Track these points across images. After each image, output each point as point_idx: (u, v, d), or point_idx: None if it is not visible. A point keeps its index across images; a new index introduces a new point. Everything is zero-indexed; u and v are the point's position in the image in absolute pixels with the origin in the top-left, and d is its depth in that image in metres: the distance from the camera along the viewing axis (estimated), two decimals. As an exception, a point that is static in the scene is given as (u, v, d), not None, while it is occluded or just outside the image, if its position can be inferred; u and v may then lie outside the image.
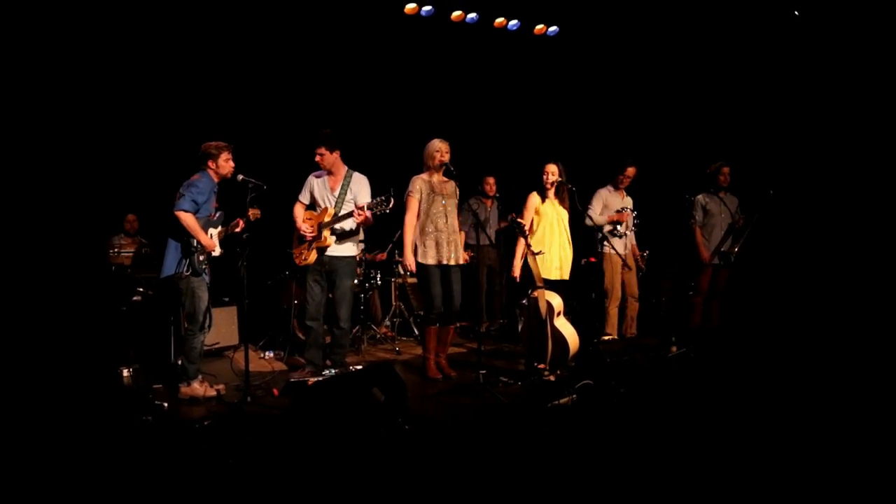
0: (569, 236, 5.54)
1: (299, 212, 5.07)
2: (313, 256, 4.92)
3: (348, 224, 4.93)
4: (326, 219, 4.91)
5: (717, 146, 6.85)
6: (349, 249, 5.02)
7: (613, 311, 6.22)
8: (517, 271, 5.30)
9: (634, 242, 6.37)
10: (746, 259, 6.15)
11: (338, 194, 4.96)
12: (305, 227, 4.95)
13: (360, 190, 4.97)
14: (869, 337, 5.41)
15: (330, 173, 5.01)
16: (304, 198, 5.11)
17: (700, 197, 6.21)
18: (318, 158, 4.95)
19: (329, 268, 4.95)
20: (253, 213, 4.77)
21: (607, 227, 6.15)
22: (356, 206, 4.83)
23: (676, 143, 7.33)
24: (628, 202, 6.33)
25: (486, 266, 6.98)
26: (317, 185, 5.05)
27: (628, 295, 6.27)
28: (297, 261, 5.07)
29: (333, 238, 4.92)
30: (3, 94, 5.34)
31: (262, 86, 6.87)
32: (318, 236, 4.90)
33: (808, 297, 6.24)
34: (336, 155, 4.96)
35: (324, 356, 5.10)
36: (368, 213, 4.76)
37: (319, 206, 5.01)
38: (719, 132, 7.06)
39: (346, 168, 5.02)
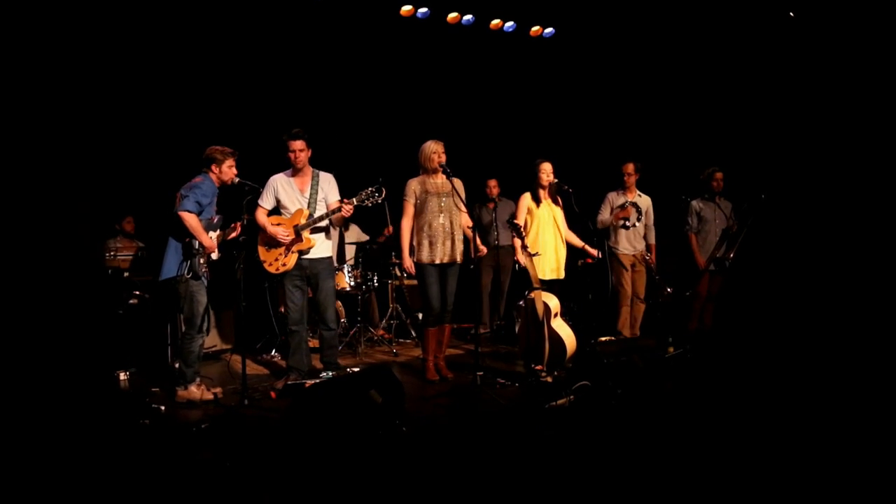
0: (563, 236, 5.55)
1: (263, 217, 4.86)
2: (293, 260, 4.79)
3: (323, 223, 4.85)
4: (302, 220, 4.78)
5: (712, 148, 6.88)
6: (327, 250, 4.94)
7: (624, 310, 6.21)
8: (521, 257, 5.26)
9: (653, 242, 6.30)
10: (742, 262, 6.15)
11: (309, 195, 4.85)
12: (281, 230, 4.77)
13: (330, 189, 4.89)
14: (862, 337, 5.43)
15: (296, 174, 4.88)
16: (267, 202, 4.88)
17: (694, 203, 6.21)
18: (295, 155, 4.76)
19: (310, 271, 4.85)
20: (247, 219, 4.76)
21: (620, 223, 6.13)
22: (345, 200, 4.74)
23: (673, 145, 7.33)
24: (644, 201, 6.25)
25: (490, 268, 6.97)
26: (282, 188, 4.86)
27: (633, 296, 6.25)
28: (270, 268, 4.85)
29: (315, 238, 4.82)
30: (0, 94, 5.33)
31: (257, 87, 6.86)
32: (299, 239, 4.80)
33: (801, 298, 6.26)
34: (308, 154, 4.84)
35: (309, 361, 5.04)
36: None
37: (287, 209, 4.86)
38: (715, 134, 7.08)
39: (311, 169, 4.91)
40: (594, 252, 5.63)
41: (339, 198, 4.83)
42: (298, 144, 4.77)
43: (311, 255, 4.84)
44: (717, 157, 6.46)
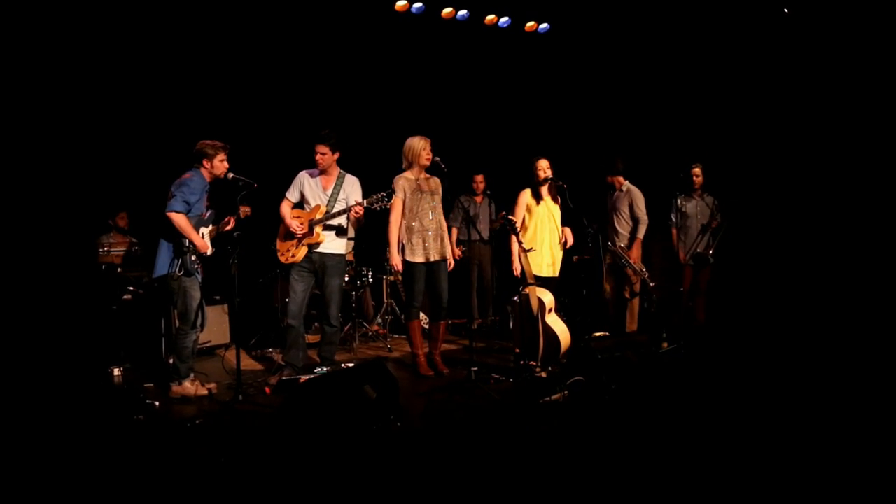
0: (560, 233, 5.56)
1: (287, 209, 4.99)
2: (302, 253, 4.87)
3: (340, 222, 4.93)
4: (318, 216, 4.88)
5: (706, 144, 6.89)
6: (340, 247, 4.99)
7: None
8: (517, 268, 5.29)
9: (639, 236, 6.32)
10: (729, 257, 6.19)
11: (330, 193, 4.94)
12: (295, 223, 4.87)
13: (353, 191, 4.98)
14: (852, 330, 5.47)
15: (323, 173, 4.98)
16: (293, 195, 5.01)
17: (678, 198, 6.26)
18: (318, 157, 4.88)
19: (319, 265, 4.91)
20: (244, 210, 4.79)
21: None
22: (356, 202, 4.84)
23: (666, 141, 7.33)
24: (628, 195, 6.33)
25: (476, 262, 6.99)
26: (308, 183, 4.98)
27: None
28: (282, 258, 4.99)
29: (325, 235, 4.90)
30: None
31: (252, 82, 6.84)
32: (310, 233, 4.87)
33: (788, 292, 6.31)
34: (336, 157, 4.94)
35: (305, 356, 5.06)
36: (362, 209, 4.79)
37: (309, 204, 4.97)
38: (709, 130, 7.08)
39: (339, 169, 5.01)
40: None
41: (359, 201, 4.91)
42: (321, 148, 4.87)
43: (321, 250, 4.91)
44: (711, 153, 6.48)
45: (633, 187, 6.36)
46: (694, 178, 6.12)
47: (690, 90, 7.28)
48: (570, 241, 5.53)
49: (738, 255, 6.40)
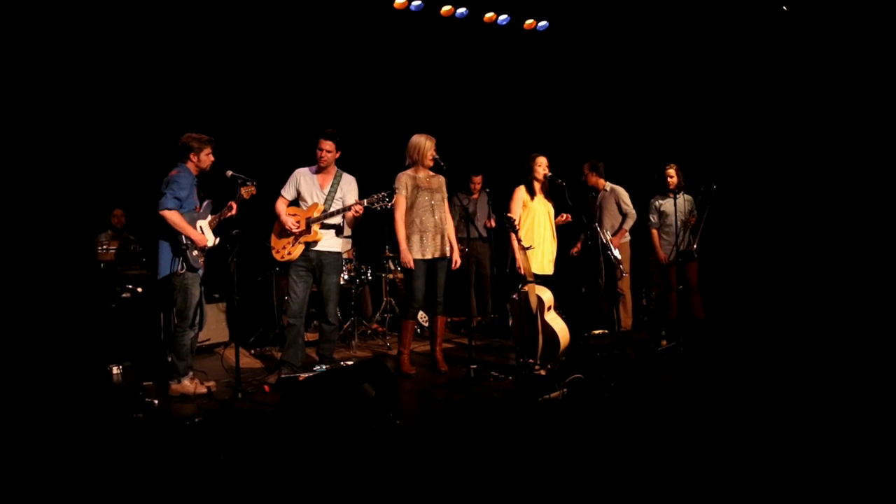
0: (554, 231, 5.59)
1: (283, 206, 4.98)
2: (298, 251, 4.87)
3: (337, 220, 4.95)
4: (316, 214, 4.88)
5: (703, 142, 6.90)
6: (336, 245, 5.00)
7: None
8: (521, 267, 5.28)
9: (624, 228, 6.38)
10: (722, 252, 6.21)
11: (328, 192, 4.94)
12: (291, 221, 4.87)
13: (350, 190, 4.99)
14: (846, 324, 5.50)
15: (320, 171, 4.98)
16: (289, 193, 5.00)
17: (654, 199, 6.29)
18: (322, 154, 4.87)
19: (316, 263, 4.91)
20: (248, 190, 4.72)
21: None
22: (356, 201, 4.84)
23: (663, 139, 7.34)
24: (612, 194, 6.41)
25: (474, 260, 6.99)
26: (304, 181, 4.98)
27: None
28: (277, 255, 4.98)
29: (323, 234, 4.90)
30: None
31: (250, 80, 6.83)
32: (308, 231, 4.87)
33: (781, 285, 6.34)
34: (337, 156, 4.95)
35: (304, 355, 5.05)
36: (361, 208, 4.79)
37: (306, 202, 4.97)
38: (710, 128, 7.09)
39: (336, 168, 5.02)
40: None
41: (356, 199, 4.91)
42: (328, 145, 4.87)
43: (318, 248, 4.91)
44: (711, 146, 6.49)
45: (615, 186, 6.47)
46: (668, 178, 6.13)
47: (674, 93, 7.31)
48: (566, 218, 5.62)
49: (730, 251, 6.42)
